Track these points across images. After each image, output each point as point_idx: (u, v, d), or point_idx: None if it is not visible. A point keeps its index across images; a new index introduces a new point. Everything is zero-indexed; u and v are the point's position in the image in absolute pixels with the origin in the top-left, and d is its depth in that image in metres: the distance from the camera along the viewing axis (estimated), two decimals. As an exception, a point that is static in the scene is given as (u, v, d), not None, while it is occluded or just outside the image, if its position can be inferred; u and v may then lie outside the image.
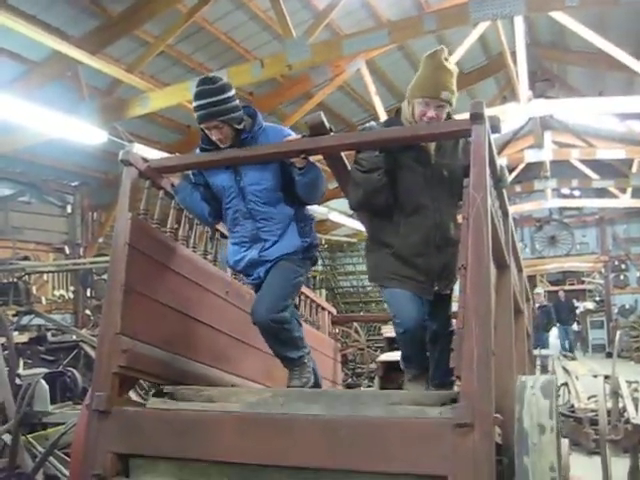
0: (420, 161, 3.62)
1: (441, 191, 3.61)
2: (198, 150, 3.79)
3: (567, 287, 22.54)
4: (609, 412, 6.41)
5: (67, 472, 4.56)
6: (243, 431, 2.97)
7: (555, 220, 22.84)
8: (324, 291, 21.71)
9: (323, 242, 21.36)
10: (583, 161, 16.92)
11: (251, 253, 3.77)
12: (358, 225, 13.84)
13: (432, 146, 3.62)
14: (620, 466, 6.04)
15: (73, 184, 13.48)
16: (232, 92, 3.59)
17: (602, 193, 19.03)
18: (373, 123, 3.76)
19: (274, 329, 3.64)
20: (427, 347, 3.79)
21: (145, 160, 3.72)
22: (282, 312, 3.63)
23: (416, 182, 3.60)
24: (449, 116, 3.65)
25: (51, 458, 5.09)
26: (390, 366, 7.77)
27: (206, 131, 3.62)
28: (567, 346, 18.99)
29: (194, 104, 3.57)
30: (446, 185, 3.59)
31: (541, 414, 2.95)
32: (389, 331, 10.36)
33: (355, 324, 14.21)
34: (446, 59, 3.52)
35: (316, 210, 14.12)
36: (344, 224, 15.66)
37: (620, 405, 6.51)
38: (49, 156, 11.97)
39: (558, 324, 18.88)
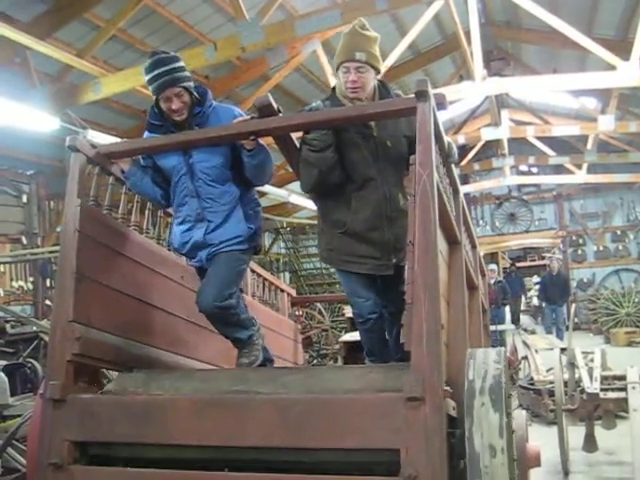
0: (363, 135, 3.63)
1: (387, 163, 3.63)
2: (147, 131, 3.78)
3: (528, 263, 22.80)
4: (566, 383, 6.55)
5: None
6: (199, 413, 2.97)
7: (514, 197, 23.07)
8: (287, 274, 21.71)
9: (285, 225, 21.32)
10: (539, 138, 17.13)
11: (196, 234, 3.73)
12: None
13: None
14: (577, 434, 6.21)
15: (28, 173, 13.20)
16: (183, 63, 3.63)
17: (559, 169, 19.31)
18: (319, 102, 3.77)
19: (221, 315, 3.66)
20: (387, 327, 3.78)
21: (93, 146, 3.67)
22: (228, 300, 3.63)
23: (361, 156, 3.62)
24: (385, 87, 3.70)
25: (10, 449, 5.04)
26: (353, 346, 7.86)
27: (163, 104, 3.57)
28: (555, 333, 15.26)
29: (151, 75, 3.53)
30: (391, 156, 3.62)
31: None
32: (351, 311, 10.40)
33: (319, 306, 14.24)
34: (363, 28, 3.57)
35: (277, 193, 14.11)
36: (305, 206, 15.61)
37: (576, 376, 6.64)
38: (1, 145, 11.70)
39: (545, 303, 16.59)
